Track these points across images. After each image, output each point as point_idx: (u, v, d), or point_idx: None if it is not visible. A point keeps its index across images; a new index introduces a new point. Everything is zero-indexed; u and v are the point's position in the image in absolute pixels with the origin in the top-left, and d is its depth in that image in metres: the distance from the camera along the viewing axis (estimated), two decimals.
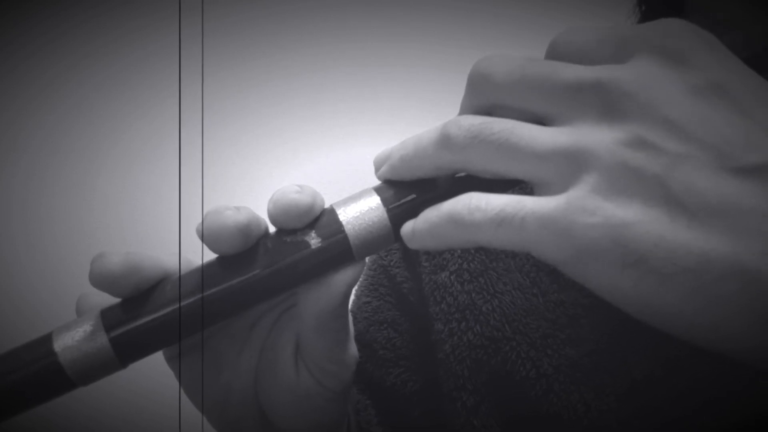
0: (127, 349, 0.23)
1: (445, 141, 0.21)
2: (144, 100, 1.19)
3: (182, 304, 0.23)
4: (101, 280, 0.22)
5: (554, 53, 0.21)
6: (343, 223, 0.23)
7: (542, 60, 0.21)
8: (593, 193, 0.18)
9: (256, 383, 0.28)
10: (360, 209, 0.23)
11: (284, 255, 0.23)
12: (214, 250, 0.24)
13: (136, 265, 0.23)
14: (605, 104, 0.19)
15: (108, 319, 0.23)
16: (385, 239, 0.23)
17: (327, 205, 0.24)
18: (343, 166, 1.11)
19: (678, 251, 0.17)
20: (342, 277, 0.24)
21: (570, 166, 0.19)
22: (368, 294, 0.44)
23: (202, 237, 0.23)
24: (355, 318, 0.44)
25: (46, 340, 0.22)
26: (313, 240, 0.23)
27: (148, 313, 0.23)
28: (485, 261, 0.39)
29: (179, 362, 0.28)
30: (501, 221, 0.19)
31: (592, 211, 0.18)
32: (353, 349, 0.28)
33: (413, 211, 0.23)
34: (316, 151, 1.14)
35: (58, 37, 1.17)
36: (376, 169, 0.24)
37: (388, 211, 0.23)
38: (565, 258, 0.19)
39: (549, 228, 0.19)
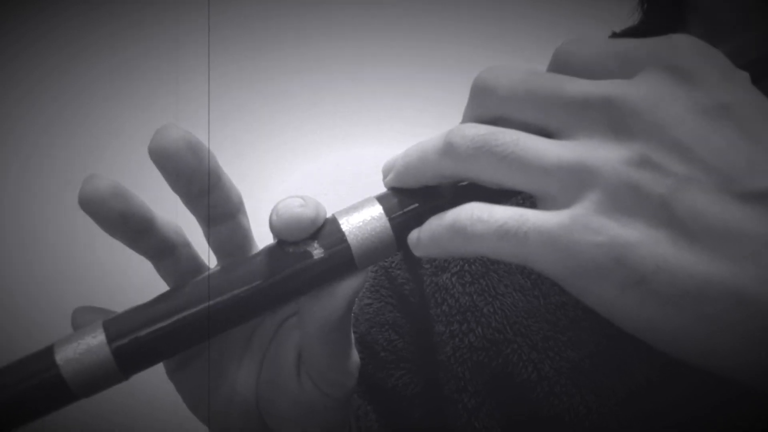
0: (129, 361, 0.23)
1: (448, 150, 0.21)
2: (141, 99, 1.19)
3: (185, 313, 0.23)
4: (89, 200, 0.22)
5: (558, 63, 0.21)
6: (346, 232, 0.23)
7: (547, 73, 0.21)
8: (597, 212, 0.18)
9: (257, 393, 0.28)
10: (362, 218, 0.23)
11: (287, 265, 0.23)
12: (163, 169, 0.23)
13: (123, 192, 0.23)
14: (612, 121, 0.19)
15: (110, 330, 0.23)
16: (388, 248, 0.23)
17: (329, 215, 0.24)
18: (343, 166, 1.10)
19: (679, 274, 0.17)
20: (345, 286, 0.24)
21: (574, 182, 0.19)
22: (369, 296, 0.44)
23: (152, 157, 0.23)
24: (356, 320, 0.44)
25: (48, 352, 0.22)
26: (316, 251, 0.23)
27: (150, 324, 0.23)
28: (486, 263, 0.39)
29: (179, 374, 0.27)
30: (504, 234, 0.19)
31: (596, 230, 0.18)
32: (355, 356, 0.28)
33: (415, 220, 0.23)
34: (316, 151, 1.14)
35: (60, 35, 1.17)
36: (384, 177, 0.24)
37: (390, 220, 0.23)
38: (566, 274, 0.19)
39: (551, 244, 0.19)
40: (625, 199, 0.18)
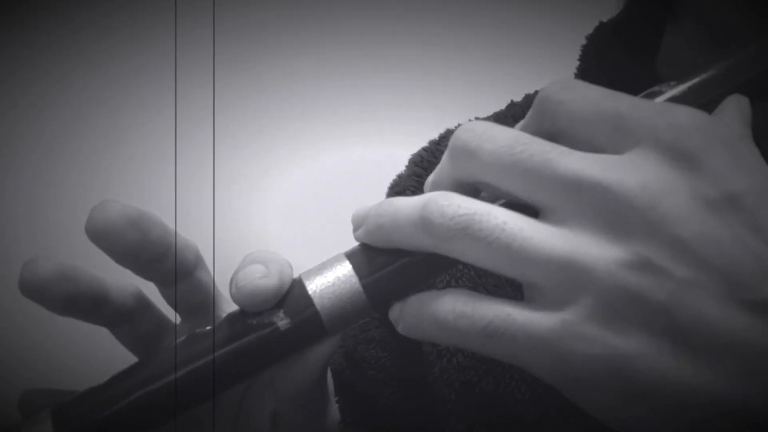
0: None
1: (426, 226, 0.19)
2: (144, 103, 1.18)
3: (140, 394, 0.21)
4: (30, 286, 0.21)
5: (543, 113, 0.19)
6: (313, 297, 0.21)
7: (534, 140, 0.19)
8: (590, 319, 0.17)
9: None
10: (332, 279, 0.21)
11: (250, 339, 0.21)
12: (103, 248, 0.22)
13: (68, 273, 0.21)
14: (608, 213, 0.17)
15: (57, 420, 0.21)
16: (361, 310, 0.21)
17: (296, 275, 0.22)
18: (343, 166, 1.10)
19: (681, 390, 0.16)
20: (317, 352, 0.22)
21: (566, 281, 0.17)
22: None
23: (90, 237, 0.21)
24: (343, 334, 0.42)
25: None
26: (282, 321, 0.21)
27: (102, 410, 0.21)
28: (474, 277, 0.37)
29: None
30: (490, 335, 0.18)
31: (590, 340, 0.17)
32: (333, 412, 0.27)
33: (389, 279, 0.21)
34: (316, 151, 1.13)
35: (62, 38, 1.17)
36: (354, 229, 0.22)
37: (361, 279, 0.21)
38: (559, 381, 0.18)
39: (541, 350, 0.17)
40: (622, 306, 0.16)
